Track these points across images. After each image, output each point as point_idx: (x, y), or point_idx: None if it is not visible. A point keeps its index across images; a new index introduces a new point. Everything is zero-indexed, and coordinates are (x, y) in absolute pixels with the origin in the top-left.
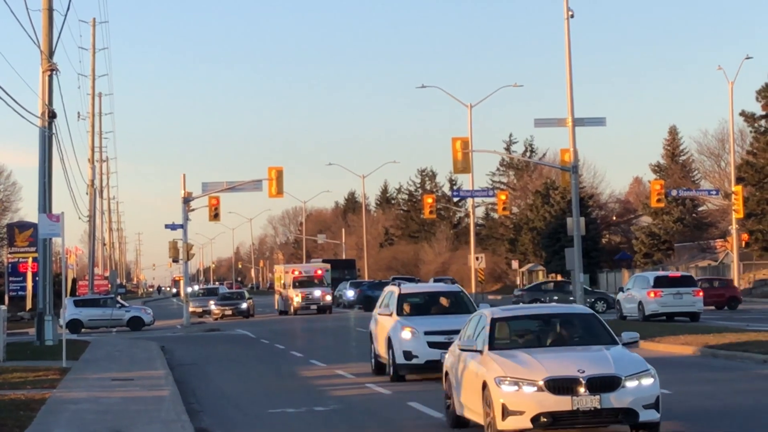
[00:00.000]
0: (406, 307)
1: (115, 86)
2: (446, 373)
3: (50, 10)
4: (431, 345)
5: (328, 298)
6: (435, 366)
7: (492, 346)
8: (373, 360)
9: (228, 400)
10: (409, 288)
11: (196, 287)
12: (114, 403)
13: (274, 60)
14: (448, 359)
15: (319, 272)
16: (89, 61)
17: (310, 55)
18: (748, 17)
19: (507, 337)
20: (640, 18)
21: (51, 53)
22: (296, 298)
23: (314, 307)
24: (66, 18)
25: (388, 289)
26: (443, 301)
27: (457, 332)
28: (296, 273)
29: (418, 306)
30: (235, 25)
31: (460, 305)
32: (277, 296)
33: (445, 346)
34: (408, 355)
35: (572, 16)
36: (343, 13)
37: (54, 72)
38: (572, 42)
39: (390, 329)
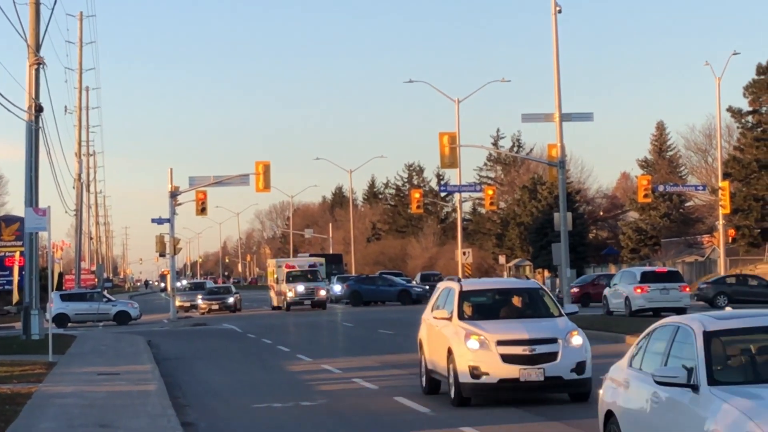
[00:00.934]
0: (468, 309)
1: (103, 80)
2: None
3: (37, 4)
4: (506, 359)
5: (323, 293)
6: (512, 387)
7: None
8: (424, 376)
9: (214, 394)
10: (472, 284)
11: (185, 282)
12: (100, 397)
13: (261, 55)
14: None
15: (314, 266)
16: (76, 54)
17: (298, 50)
18: (735, 13)
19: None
20: (627, 13)
21: (38, 47)
22: (289, 293)
23: (308, 302)
24: (53, 11)
25: (443, 285)
26: (517, 300)
27: (541, 342)
28: (290, 267)
29: (486, 307)
30: (223, 19)
31: (540, 306)
32: (270, 291)
33: (525, 360)
34: (475, 371)
35: (560, 12)
36: (330, 8)
37: (41, 66)
38: (560, 37)
39: (450, 337)
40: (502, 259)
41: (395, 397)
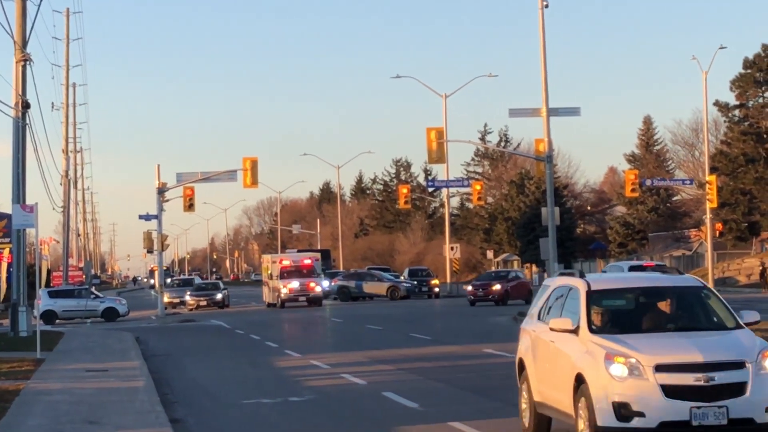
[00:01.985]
0: (601, 317)
1: (89, 77)
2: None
3: (23, 0)
4: (670, 392)
5: (318, 289)
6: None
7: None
8: (527, 412)
9: (202, 390)
10: (604, 281)
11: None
12: (88, 394)
13: (248, 51)
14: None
15: (309, 262)
16: (63, 51)
17: (286, 46)
18: (722, 7)
19: None
20: (614, 8)
21: (24, 43)
22: (284, 289)
23: (303, 298)
24: (39, 8)
25: (559, 282)
26: (669, 305)
27: (721, 367)
28: (284, 263)
29: (627, 315)
30: (210, 16)
31: (706, 313)
32: (264, 288)
33: (698, 393)
34: (623, 410)
35: (546, 6)
36: (317, 3)
37: (27, 62)
38: (547, 32)
39: (578, 359)
40: (490, 254)
41: (384, 393)
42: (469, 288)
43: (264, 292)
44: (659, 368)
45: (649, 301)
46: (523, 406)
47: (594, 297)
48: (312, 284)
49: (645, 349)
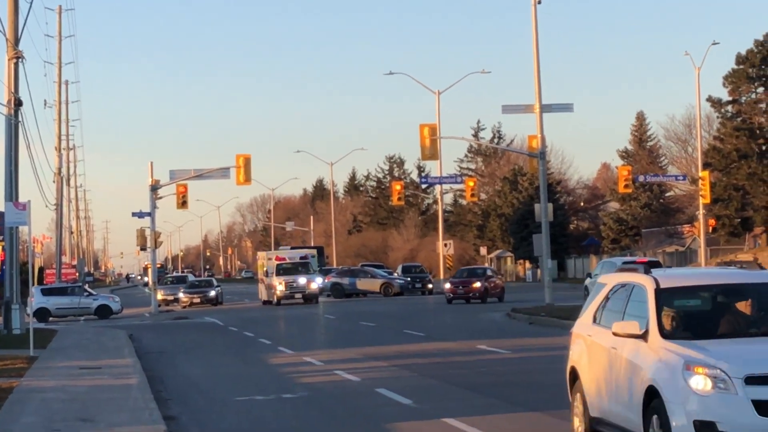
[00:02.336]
0: (674, 320)
1: (82, 74)
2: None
3: None
4: (763, 409)
5: (314, 286)
6: None
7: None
8: (581, 427)
9: (196, 387)
10: (677, 279)
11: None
12: (82, 391)
13: (242, 48)
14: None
15: (305, 258)
16: (55, 48)
17: (279, 43)
18: (715, 3)
19: None
20: (607, 4)
21: (17, 40)
22: (279, 286)
23: (299, 296)
24: (31, 5)
25: (618, 279)
26: (748, 306)
27: None
28: (280, 259)
29: (704, 317)
30: (203, 13)
31: None
32: (259, 285)
33: None
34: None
35: (539, 2)
36: (310, 0)
37: (20, 59)
38: (540, 28)
39: (648, 369)
40: (483, 251)
41: (377, 389)
42: (448, 286)
43: (259, 289)
44: (750, 380)
45: (728, 301)
46: (576, 423)
47: (664, 296)
48: (308, 281)
49: (731, 358)
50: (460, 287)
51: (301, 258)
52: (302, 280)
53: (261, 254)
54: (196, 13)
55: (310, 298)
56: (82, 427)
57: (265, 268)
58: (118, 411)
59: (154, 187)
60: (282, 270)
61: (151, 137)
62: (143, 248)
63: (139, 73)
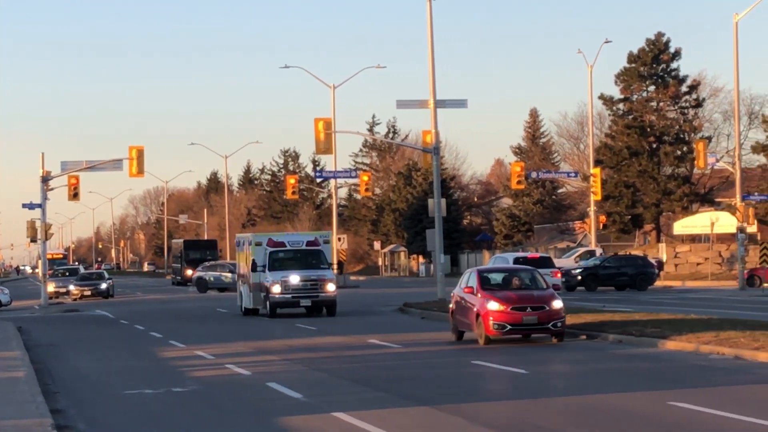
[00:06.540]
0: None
1: None
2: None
3: None
4: None
5: (331, 287)
6: None
7: None
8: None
9: (85, 381)
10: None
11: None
12: None
13: (134, 40)
14: None
15: (314, 244)
16: None
17: (173, 35)
18: (608, 1)
19: None
20: (501, 1)
21: None
22: (275, 287)
23: (307, 301)
24: None
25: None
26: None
27: None
28: (277, 245)
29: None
30: (92, 4)
31: None
32: (240, 285)
33: None
34: None
35: None
36: None
37: None
38: (435, 24)
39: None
40: (377, 245)
41: (268, 383)
42: None
43: (239, 291)
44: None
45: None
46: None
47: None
48: (322, 280)
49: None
50: None
51: (309, 244)
52: (312, 276)
53: (242, 238)
54: (86, 6)
55: (324, 305)
56: None
57: (251, 259)
58: (5, 404)
59: (45, 179)
60: (279, 262)
61: (43, 128)
62: (33, 240)
63: (29, 62)
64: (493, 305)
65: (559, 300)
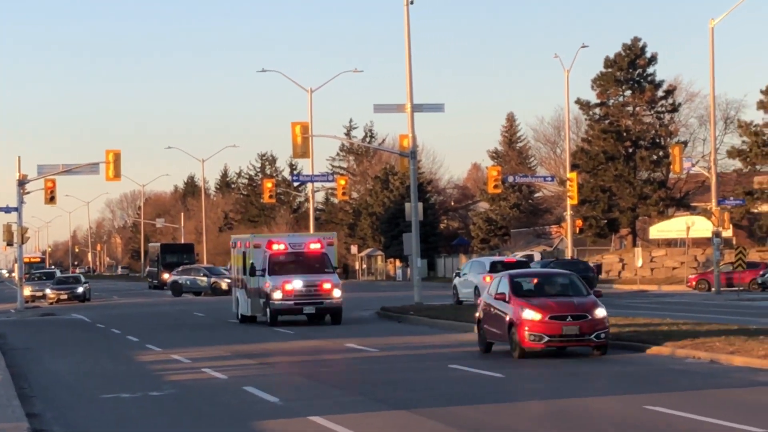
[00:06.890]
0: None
1: None
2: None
3: None
4: None
5: (337, 293)
6: None
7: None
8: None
9: (61, 384)
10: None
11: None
12: None
13: (112, 43)
14: None
15: (318, 246)
16: None
17: (150, 38)
18: (585, 6)
19: None
20: (479, 5)
21: None
22: (276, 293)
23: (311, 308)
24: None
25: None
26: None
27: None
28: (276, 248)
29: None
30: (68, 7)
31: None
32: (236, 290)
33: None
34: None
35: (412, 3)
36: None
37: None
38: (412, 29)
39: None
40: (354, 249)
41: (245, 387)
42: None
43: (236, 297)
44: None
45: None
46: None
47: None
48: (326, 285)
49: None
50: None
51: (313, 246)
52: (316, 282)
53: (238, 240)
54: (61, 9)
55: (329, 312)
56: None
57: (250, 262)
58: None
59: (22, 182)
60: (279, 266)
61: (19, 131)
62: (10, 243)
63: (4, 65)
64: (529, 314)
65: (603, 308)
